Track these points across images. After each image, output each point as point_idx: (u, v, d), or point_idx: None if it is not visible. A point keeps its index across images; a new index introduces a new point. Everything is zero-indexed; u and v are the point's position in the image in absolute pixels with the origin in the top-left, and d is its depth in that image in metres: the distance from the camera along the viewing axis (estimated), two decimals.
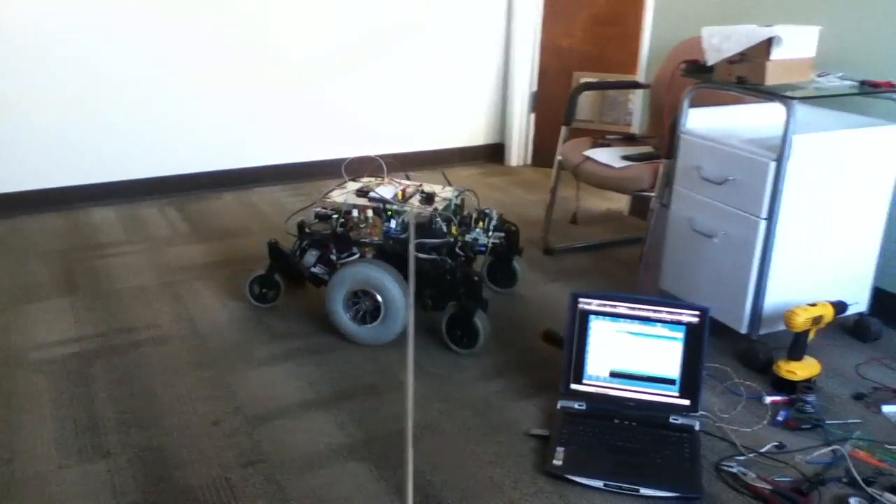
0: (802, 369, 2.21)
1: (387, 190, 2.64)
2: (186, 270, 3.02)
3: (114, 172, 3.80)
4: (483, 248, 2.53)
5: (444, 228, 2.46)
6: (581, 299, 2.08)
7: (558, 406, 2.07)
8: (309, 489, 1.80)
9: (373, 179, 2.79)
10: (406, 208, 2.50)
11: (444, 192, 2.69)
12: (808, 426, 2.05)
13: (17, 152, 3.57)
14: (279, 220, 3.60)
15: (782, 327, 2.30)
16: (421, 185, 2.74)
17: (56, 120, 3.60)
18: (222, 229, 3.48)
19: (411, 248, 0.91)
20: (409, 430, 0.87)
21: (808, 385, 2.14)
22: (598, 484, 1.80)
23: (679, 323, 2.04)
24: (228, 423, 2.04)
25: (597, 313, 2.07)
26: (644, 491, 1.78)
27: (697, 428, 1.99)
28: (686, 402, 2.04)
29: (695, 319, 2.04)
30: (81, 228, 3.46)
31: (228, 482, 1.82)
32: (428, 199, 2.60)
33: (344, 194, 2.63)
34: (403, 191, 2.63)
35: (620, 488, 1.79)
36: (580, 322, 2.08)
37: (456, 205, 2.65)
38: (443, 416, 2.08)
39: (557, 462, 1.86)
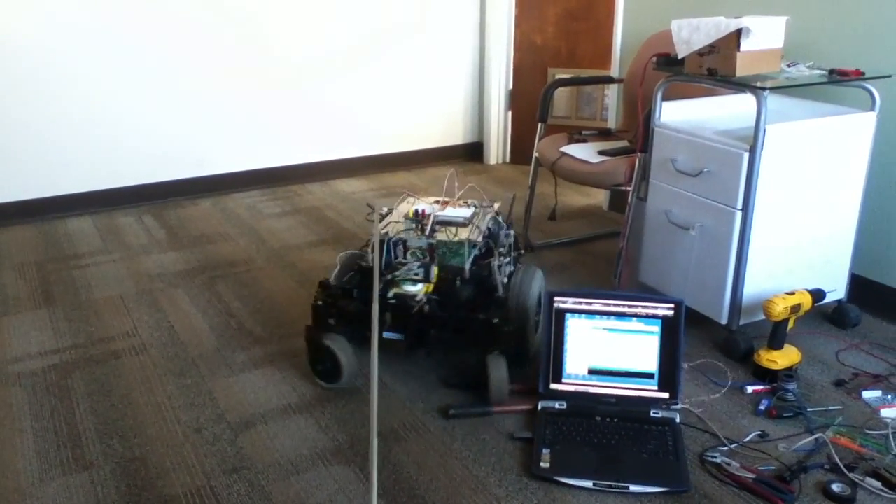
0: (782, 358, 2.22)
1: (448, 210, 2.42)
2: (164, 278, 3.00)
3: (89, 182, 3.76)
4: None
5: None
6: (557, 298, 2.08)
7: (539, 407, 2.06)
8: (293, 493, 1.79)
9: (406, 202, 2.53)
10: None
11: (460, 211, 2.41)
12: (790, 414, 2.06)
13: None
14: (255, 225, 3.58)
15: (762, 317, 2.32)
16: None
17: (28, 129, 3.56)
18: (200, 236, 3.46)
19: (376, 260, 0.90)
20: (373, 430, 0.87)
21: (789, 373, 2.15)
22: (587, 484, 1.80)
23: (654, 317, 2.05)
24: (210, 431, 2.03)
25: (573, 311, 2.07)
26: (633, 488, 1.78)
27: (678, 420, 2.00)
28: (665, 395, 2.05)
29: (669, 312, 2.05)
30: (57, 239, 3.43)
31: (212, 490, 1.80)
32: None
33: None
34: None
35: (609, 487, 1.79)
36: (556, 321, 2.08)
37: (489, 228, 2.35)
38: (427, 417, 2.08)
39: (544, 464, 1.85)
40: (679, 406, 2.04)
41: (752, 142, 2.20)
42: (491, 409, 2.07)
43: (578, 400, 2.07)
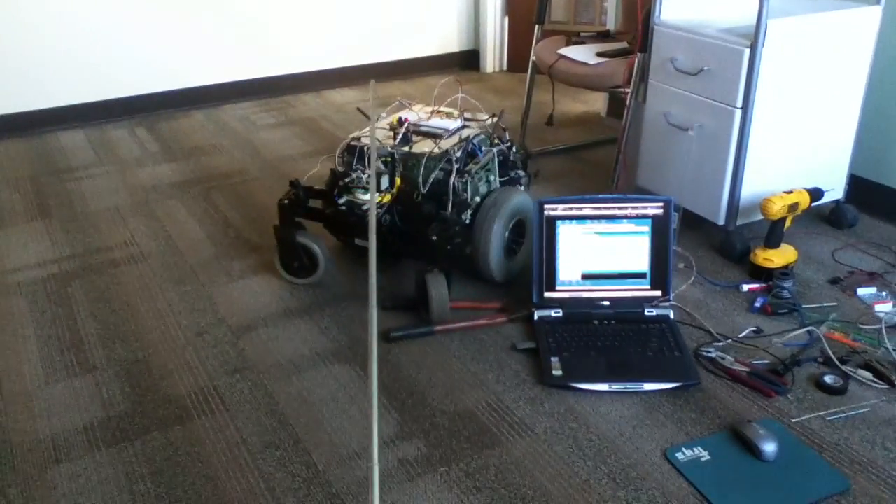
0: (779, 256, 2.23)
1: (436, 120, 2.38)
2: (160, 189, 2.98)
3: (79, 94, 3.70)
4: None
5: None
6: (546, 206, 2.05)
7: (535, 317, 2.05)
8: (295, 392, 1.82)
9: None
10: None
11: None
12: (785, 311, 2.08)
13: None
14: (249, 136, 3.54)
15: (759, 217, 2.32)
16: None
17: (17, 41, 3.48)
18: (193, 147, 3.42)
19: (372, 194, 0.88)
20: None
21: (785, 272, 2.16)
22: (604, 387, 1.81)
23: (644, 217, 2.05)
24: (212, 334, 2.05)
25: (563, 218, 2.06)
26: (647, 386, 1.80)
27: (672, 317, 2.02)
28: (658, 293, 2.06)
29: (659, 211, 2.04)
30: (50, 152, 3.39)
31: (216, 389, 1.83)
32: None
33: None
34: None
35: (625, 388, 1.81)
36: (548, 229, 2.06)
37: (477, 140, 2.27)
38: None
39: (557, 372, 1.84)
40: (671, 303, 2.06)
41: (753, 38, 2.15)
42: (433, 328, 2.03)
43: (574, 306, 2.06)
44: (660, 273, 2.06)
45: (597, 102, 3.90)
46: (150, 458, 1.63)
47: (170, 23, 3.78)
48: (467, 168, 2.17)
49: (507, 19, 4.51)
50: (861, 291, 2.17)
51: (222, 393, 1.82)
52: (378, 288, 2.10)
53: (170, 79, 3.89)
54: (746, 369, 1.85)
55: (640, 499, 1.51)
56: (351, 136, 2.26)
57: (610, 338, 1.96)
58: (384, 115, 2.44)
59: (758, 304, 2.12)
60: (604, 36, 3.18)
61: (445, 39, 4.58)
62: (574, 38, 3.10)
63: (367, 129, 2.28)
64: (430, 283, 2.01)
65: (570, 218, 2.06)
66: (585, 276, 2.07)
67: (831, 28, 2.28)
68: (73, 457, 1.64)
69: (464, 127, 2.34)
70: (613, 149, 2.87)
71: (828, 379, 1.80)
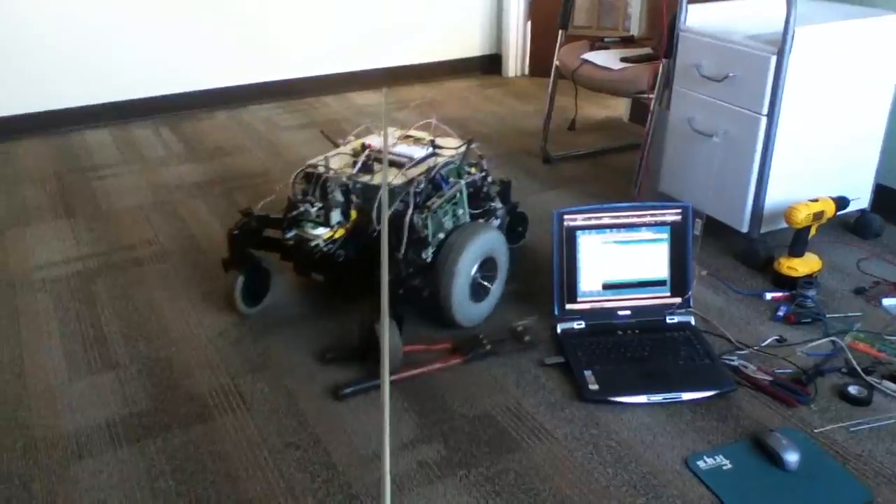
0: (803, 265, 2.22)
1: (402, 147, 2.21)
2: (183, 189, 3.01)
3: (106, 94, 3.73)
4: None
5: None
6: (566, 216, 2.04)
7: (558, 330, 2.02)
8: (316, 392, 1.82)
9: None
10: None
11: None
12: (808, 320, 2.07)
13: (3, 75, 3.50)
14: (272, 137, 3.56)
15: (783, 226, 2.30)
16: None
17: (44, 40, 3.52)
18: (216, 148, 3.45)
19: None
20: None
21: (809, 281, 2.15)
22: (642, 399, 1.78)
23: (663, 224, 2.04)
24: (233, 333, 2.06)
25: (583, 228, 2.04)
26: (685, 396, 1.78)
27: (693, 323, 2.01)
28: (678, 299, 2.05)
29: (677, 218, 2.04)
30: (75, 151, 3.42)
31: (237, 388, 1.84)
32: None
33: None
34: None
35: (663, 399, 1.78)
36: (568, 240, 2.04)
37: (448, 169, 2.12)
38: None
39: (594, 387, 1.81)
40: (692, 310, 2.04)
41: (781, 45, 2.14)
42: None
43: (594, 317, 2.04)
44: (680, 279, 2.05)
45: (619, 108, 3.89)
46: (171, 456, 1.64)
47: (194, 25, 3.81)
48: (429, 202, 1.99)
49: (529, 24, 4.51)
50: (886, 302, 2.15)
51: (243, 392, 1.83)
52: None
53: (194, 80, 3.92)
54: (769, 378, 1.83)
55: None
56: (308, 162, 2.10)
57: (638, 348, 1.94)
58: (351, 138, 2.29)
59: (781, 313, 2.10)
60: (627, 41, 3.17)
61: (467, 43, 4.59)
62: (597, 43, 3.10)
63: (328, 154, 2.14)
64: (379, 332, 1.81)
65: (590, 228, 2.04)
66: (606, 286, 2.06)
67: (859, 36, 2.26)
68: (96, 453, 1.65)
69: (433, 155, 2.16)
70: (635, 155, 2.86)
71: (852, 389, 1.78)
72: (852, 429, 1.69)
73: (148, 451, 1.66)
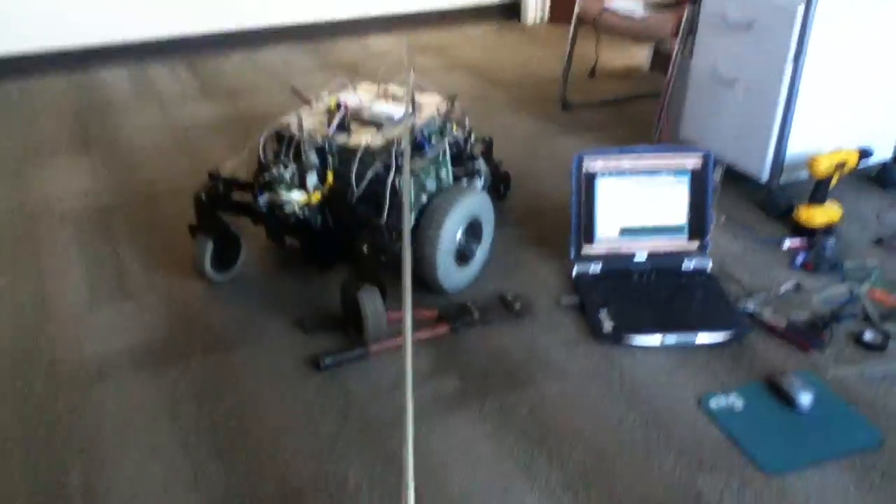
0: (823, 214, 2.20)
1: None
2: (199, 128, 3.00)
3: (123, 32, 3.71)
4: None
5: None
6: (586, 159, 2.02)
7: (574, 273, 2.03)
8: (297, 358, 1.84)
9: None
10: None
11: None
12: (826, 268, 2.06)
13: (22, 10, 3.48)
14: (289, 79, 3.54)
15: (804, 175, 2.28)
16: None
17: None
18: (234, 88, 3.43)
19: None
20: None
21: (828, 230, 2.14)
22: (657, 341, 1.79)
23: (683, 169, 2.02)
24: (251, 267, 2.07)
25: (602, 172, 2.03)
26: (700, 337, 1.79)
27: (710, 268, 2.01)
28: (695, 245, 2.05)
29: (698, 163, 2.02)
30: (94, 88, 3.42)
31: (255, 319, 1.86)
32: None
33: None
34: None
35: (677, 341, 1.79)
36: (587, 183, 2.03)
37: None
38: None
39: (608, 328, 1.82)
40: (709, 255, 2.04)
41: None
42: (367, 349, 1.75)
43: (611, 261, 2.04)
44: (698, 225, 2.04)
45: (640, 56, 3.84)
46: (191, 382, 1.67)
47: None
48: (412, 165, 1.89)
49: None
50: None
51: (261, 323, 1.85)
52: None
53: (212, 20, 3.89)
54: (784, 323, 1.84)
55: (673, 442, 1.52)
56: (279, 120, 1.97)
57: (654, 291, 1.95)
58: (325, 95, 2.12)
59: (799, 261, 2.10)
60: None
61: None
62: None
63: (300, 113, 1.98)
64: (363, 301, 1.72)
65: (610, 172, 2.03)
66: (624, 231, 2.05)
67: None
68: (118, 377, 1.68)
69: (413, 113, 2.01)
70: (655, 103, 2.83)
71: (867, 336, 1.79)
72: (866, 374, 1.70)
73: (169, 377, 1.68)
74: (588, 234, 2.05)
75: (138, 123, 3.04)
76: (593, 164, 2.02)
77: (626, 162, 2.02)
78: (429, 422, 1.57)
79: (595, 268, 2.04)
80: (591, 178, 2.03)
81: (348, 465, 1.47)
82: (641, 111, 3.16)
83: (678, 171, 2.03)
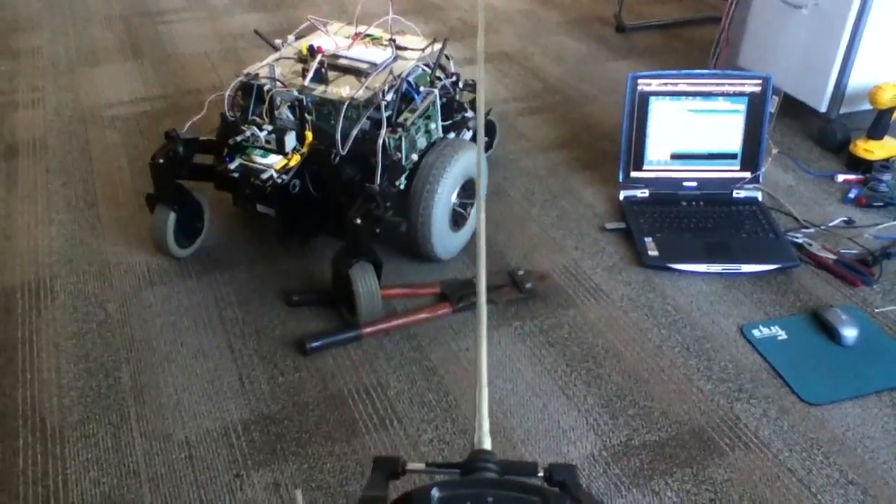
0: (881, 149, 2.14)
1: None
2: (248, 38, 2.98)
3: None
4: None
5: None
6: (640, 80, 1.97)
7: (621, 197, 2.00)
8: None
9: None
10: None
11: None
12: (880, 204, 2.01)
13: None
14: None
15: (863, 107, 2.20)
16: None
17: None
18: None
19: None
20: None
21: (885, 165, 2.07)
22: (701, 268, 1.77)
23: (741, 94, 1.97)
24: None
25: (657, 94, 1.98)
26: (745, 268, 1.77)
27: (760, 198, 1.97)
28: (747, 174, 2.00)
29: (757, 89, 1.96)
30: None
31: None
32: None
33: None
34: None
35: (722, 270, 1.77)
36: (640, 105, 1.98)
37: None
38: (507, 182, 2.10)
39: (653, 253, 1.80)
40: (761, 184, 2.00)
41: None
42: (360, 331, 1.58)
43: (659, 186, 2.01)
44: (751, 153, 1.99)
45: None
46: (237, 289, 1.70)
47: None
48: (402, 119, 1.66)
49: None
50: None
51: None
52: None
53: None
54: (833, 257, 1.80)
55: (712, 369, 1.52)
56: (245, 70, 1.74)
57: (702, 219, 1.92)
58: (291, 39, 1.88)
59: (852, 195, 2.05)
60: None
61: None
62: None
63: (269, 59, 1.77)
64: (355, 279, 1.55)
65: (664, 94, 1.98)
66: (675, 156, 2.01)
67: None
68: (166, 281, 1.73)
69: (396, 59, 1.77)
70: (713, 28, 2.73)
71: None
72: None
73: (216, 283, 1.72)
74: (638, 159, 2.02)
75: (187, 31, 3.03)
76: (647, 84, 1.97)
77: (682, 84, 1.97)
78: (467, 339, 1.59)
79: (643, 193, 2.01)
80: (644, 100, 1.98)
81: (388, 376, 1.50)
82: (699, 35, 3.06)
83: (735, 97, 1.97)
